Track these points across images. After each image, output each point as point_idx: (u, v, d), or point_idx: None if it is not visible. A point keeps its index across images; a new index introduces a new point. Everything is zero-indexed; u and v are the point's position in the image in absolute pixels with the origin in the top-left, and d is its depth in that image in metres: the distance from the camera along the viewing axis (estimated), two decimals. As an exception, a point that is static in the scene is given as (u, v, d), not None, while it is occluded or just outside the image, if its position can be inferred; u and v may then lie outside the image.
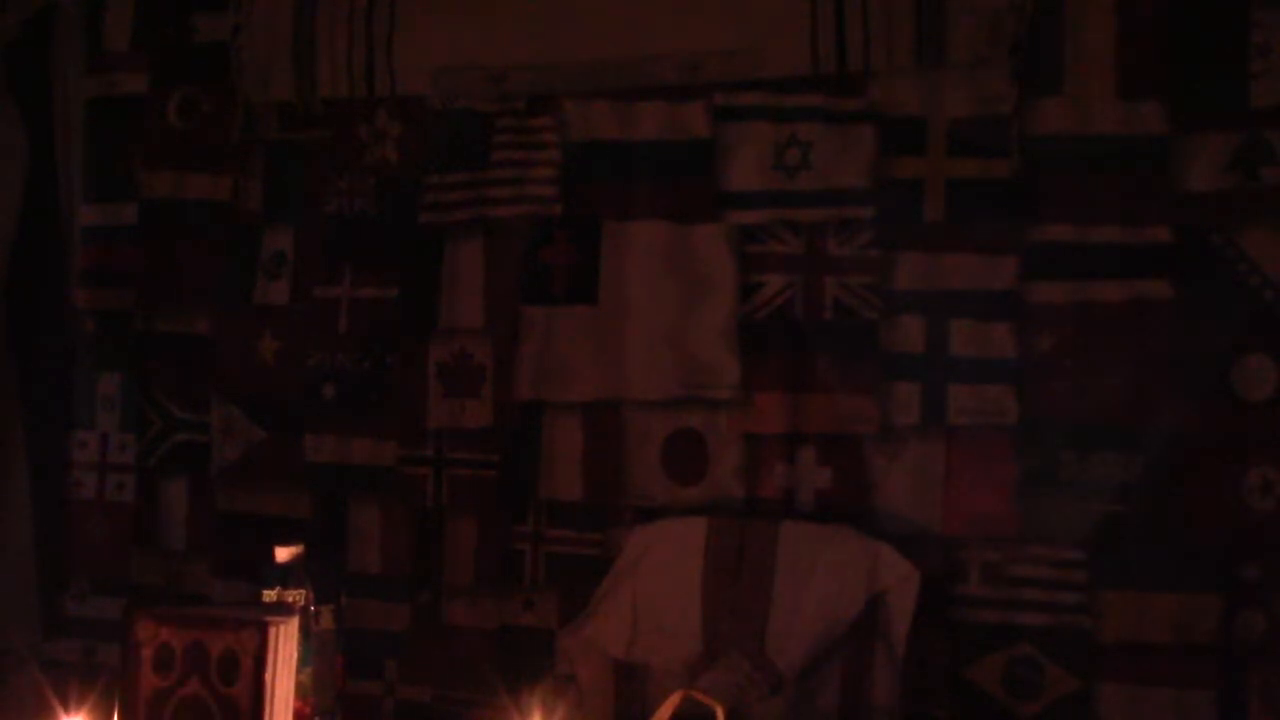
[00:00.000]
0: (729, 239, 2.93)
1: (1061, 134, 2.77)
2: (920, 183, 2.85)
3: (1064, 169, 2.77)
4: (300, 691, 1.97)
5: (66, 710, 1.69)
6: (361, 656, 2.34)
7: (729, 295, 2.92)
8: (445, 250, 3.13)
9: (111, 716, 1.66)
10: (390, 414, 3.15)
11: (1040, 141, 2.78)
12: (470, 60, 3.10)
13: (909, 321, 2.85)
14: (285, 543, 2.15)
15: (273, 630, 1.71)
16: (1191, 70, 2.71)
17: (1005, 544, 2.78)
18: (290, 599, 2.10)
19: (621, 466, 3.00)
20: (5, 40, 3.31)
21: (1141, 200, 2.72)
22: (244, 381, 3.27)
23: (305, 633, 2.02)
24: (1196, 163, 2.70)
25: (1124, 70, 2.74)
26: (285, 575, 2.10)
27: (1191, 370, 2.69)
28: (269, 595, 2.11)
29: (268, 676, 1.69)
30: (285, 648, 1.75)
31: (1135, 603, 2.70)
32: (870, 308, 2.86)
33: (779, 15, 2.89)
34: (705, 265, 2.95)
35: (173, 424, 3.33)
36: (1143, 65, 2.73)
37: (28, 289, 3.36)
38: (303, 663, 2.00)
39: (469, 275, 3.12)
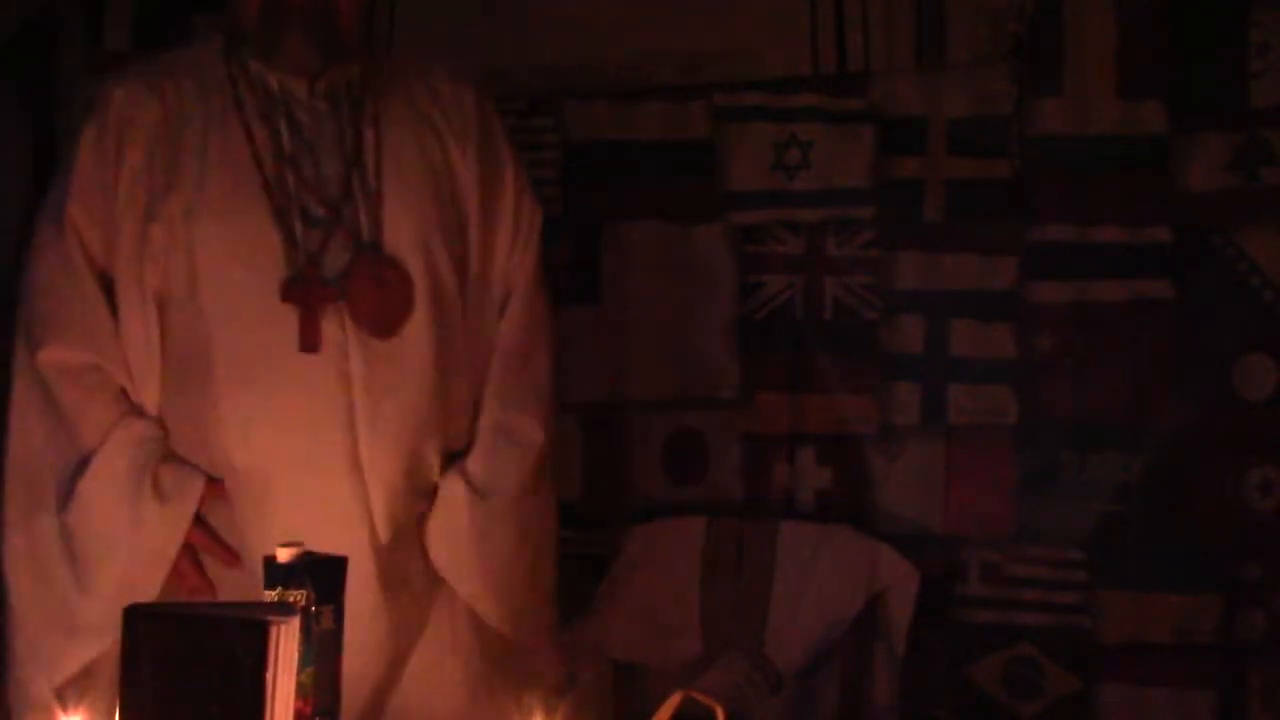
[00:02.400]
0: (729, 239, 2.93)
1: (1061, 134, 2.78)
2: (920, 183, 2.85)
3: (1064, 169, 2.77)
4: (301, 692, 1.97)
5: (66, 710, 1.69)
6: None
7: (729, 295, 2.92)
8: (445, 250, 3.13)
9: (112, 717, 1.65)
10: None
11: (1040, 141, 2.78)
12: (470, 60, 3.10)
13: (909, 321, 2.85)
14: (286, 543, 2.15)
15: (273, 630, 1.71)
16: (1191, 70, 2.71)
17: (1005, 544, 2.78)
18: (291, 599, 2.09)
19: (621, 466, 3.00)
20: (6, 39, 3.31)
21: (1141, 200, 2.73)
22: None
23: (306, 633, 2.02)
24: (1196, 163, 2.70)
25: (1124, 70, 2.74)
26: (286, 575, 2.09)
27: (1191, 370, 2.69)
28: (269, 595, 2.11)
29: (268, 676, 1.69)
30: (286, 648, 1.74)
31: (1135, 603, 2.70)
32: (870, 308, 2.87)
33: (779, 15, 2.89)
34: (705, 265, 2.95)
35: (173, 424, 3.32)
36: (1143, 65, 2.74)
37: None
38: (303, 663, 2.00)
39: (469, 275, 3.11)
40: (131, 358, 2.01)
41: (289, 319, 1.96)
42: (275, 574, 2.13)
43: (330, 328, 1.97)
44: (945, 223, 2.84)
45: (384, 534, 2.04)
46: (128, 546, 1.98)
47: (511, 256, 2.16)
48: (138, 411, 2.01)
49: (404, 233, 2.03)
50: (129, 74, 2.13)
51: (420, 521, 2.08)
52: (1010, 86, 2.79)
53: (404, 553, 2.07)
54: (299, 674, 1.89)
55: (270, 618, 1.74)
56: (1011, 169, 2.79)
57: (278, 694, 1.72)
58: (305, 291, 1.96)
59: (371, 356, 1.99)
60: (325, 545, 1.89)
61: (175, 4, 3.34)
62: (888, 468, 2.84)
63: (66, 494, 1.99)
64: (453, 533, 2.09)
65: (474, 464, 2.10)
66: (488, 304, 2.14)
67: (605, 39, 3.01)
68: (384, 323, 1.99)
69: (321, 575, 1.92)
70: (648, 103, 3.00)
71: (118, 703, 1.63)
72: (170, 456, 2.01)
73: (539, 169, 3.07)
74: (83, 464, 1.99)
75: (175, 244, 1.99)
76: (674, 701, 1.99)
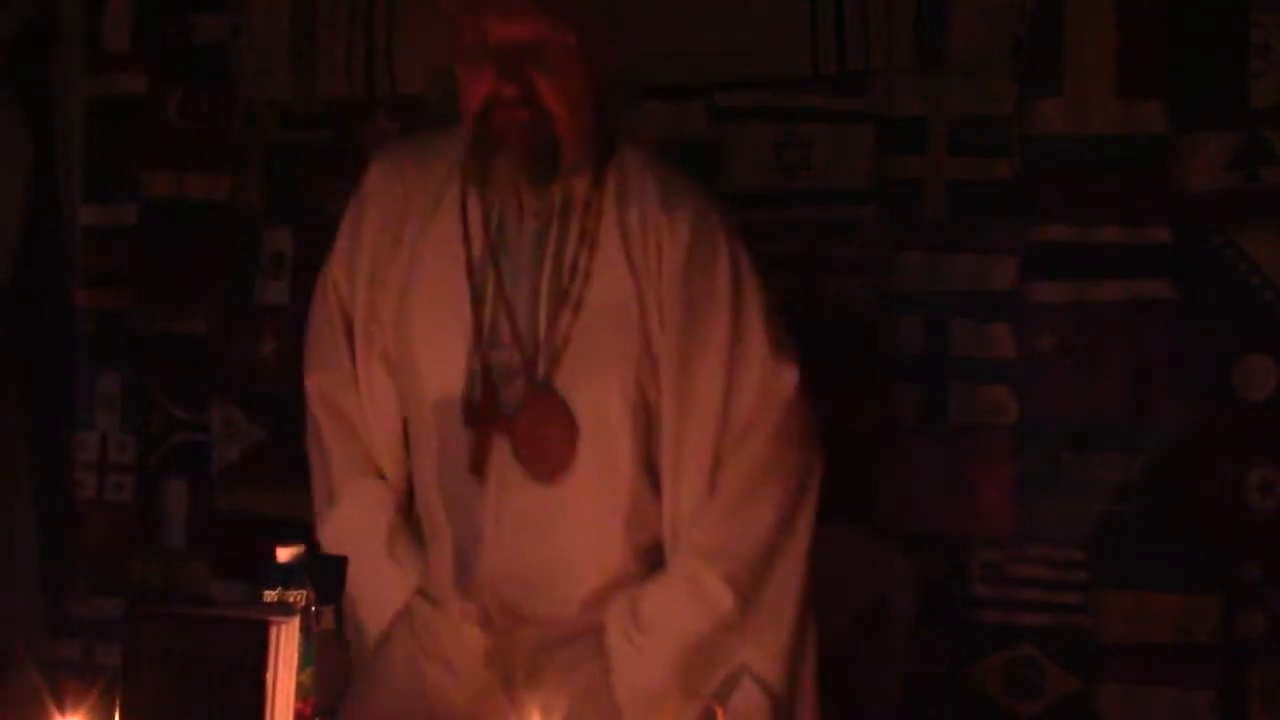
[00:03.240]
0: (729, 239, 2.93)
1: (1061, 134, 2.77)
2: (920, 183, 2.85)
3: (1064, 169, 2.77)
4: (301, 692, 1.97)
5: (66, 711, 1.69)
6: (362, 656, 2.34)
7: (729, 295, 2.91)
8: (445, 250, 3.12)
9: (112, 717, 1.65)
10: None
11: (1040, 141, 2.78)
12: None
13: (909, 321, 2.85)
14: (286, 543, 2.15)
15: (273, 630, 1.71)
16: (1191, 70, 2.71)
17: (1005, 544, 2.78)
18: (291, 599, 2.09)
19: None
20: (6, 39, 3.31)
21: (1141, 200, 2.72)
22: (244, 381, 3.26)
23: (306, 633, 2.02)
24: (1196, 163, 2.70)
25: (1124, 70, 2.74)
26: (286, 575, 2.10)
27: (1191, 370, 2.69)
28: (270, 595, 2.11)
29: (268, 677, 1.69)
30: (286, 648, 1.75)
31: (1135, 603, 2.70)
32: (870, 308, 2.86)
33: (779, 15, 2.89)
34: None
35: (173, 424, 3.33)
36: (1143, 65, 2.73)
37: (28, 289, 3.36)
38: (304, 663, 2.00)
39: (469, 275, 3.10)
40: (369, 413, 2.16)
41: (465, 435, 2.03)
42: (275, 574, 2.13)
43: (499, 455, 2.02)
44: (945, 223, 2.84)
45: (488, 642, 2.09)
46: (359, 592, 2.04)
47: (728, 406, 2.05)
48: (374, 470, 2.14)
49: (578, 379, 2.02)
50: (393, 148, 2.28)
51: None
52: (1010, 86, 2.79)
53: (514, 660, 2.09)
54: (299, 674, 1.89)
55: (270, 618, 1.74)
56: (1011, 169, 2.79)
57: (278, 694, 1.72)
58: (480, 418, 2.01)
59: (525, 492, 2.03)
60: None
61: (175, 4, 3.35)
62: (888, 468, 2.84)
63: (322, 515, 2.17)
64: (608, 653, 2.06)
65: (645, 597, 2.06)
66: (690, 447, 2.05)
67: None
68: (543, 468, 2.01)
69: (322, 575, 1.92)
70: (648, 103, 2.99)
71: (118, 703, 1.63)
72: (402, 525, 2.13)
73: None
74: (332, 496, 2.17)
75: (392, 321, 2.11)
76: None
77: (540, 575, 2.06)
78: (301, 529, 3.05)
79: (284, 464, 3.22)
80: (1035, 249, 2.78)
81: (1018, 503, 2.77)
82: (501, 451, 2.02)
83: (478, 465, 2.01)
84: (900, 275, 2.85)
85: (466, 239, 2.04)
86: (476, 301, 2.03)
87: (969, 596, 2.79)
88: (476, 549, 2.06)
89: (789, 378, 2.08)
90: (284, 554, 2.12)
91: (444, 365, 2.05)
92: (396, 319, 2.09)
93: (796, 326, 2.88)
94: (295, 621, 1.82)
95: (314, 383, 2.22)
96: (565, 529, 2.04)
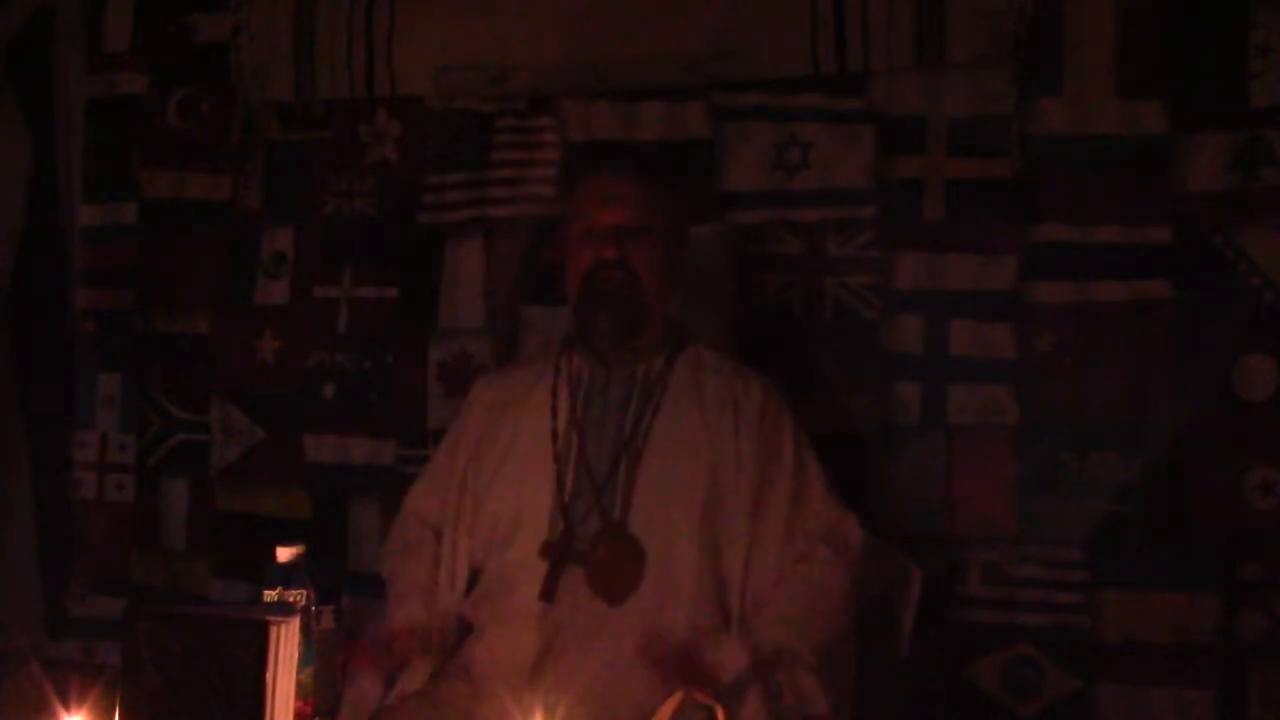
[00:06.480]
0: (729, 239, 2.93)
1: (1061, 134, 2.78)
2: (920, 183, 2.85)
3: (1064, 169, 2.77)
4: (301, 691, 1.98)
5: (67, 710, 1.69)
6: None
7: (729, 295, 2.92)
8: (445, 250, 3.13)
9: (112, 716, 1.66)
10: (390, 414, 3.15)
11: (1040, 141, 2.78)
12: (470, 60, 3.10)
13: (909, 321, 2.85)
14: (286, 543, 2.16)
15: (273, 630, 1.72)
16: (1191, 70, 2.71)
17: (1005, 544, 2.78)
18: (291, 599, 2.10)
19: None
20: (6, 39, 3.31)
21: (1141, 200, 2.73)
22: (244, 381, 3.26)
23: (306, 633, 2.03)
24: (1196, 163, 2.70)
25: (1124, 70, 2.74)
26: (286, 575, 2.10)
27: (1191, 370, 2.69)
28: (270, 595, 2.12)
29: (268, 676, 1.70)
30: (286, 648, 1.75)
31: (1135, 603, 2.70)
32: (870, 308, 2.87)
33: (779, 15, 2.89)
34: (705, 265, 2.95)
35: (173, 424, 3.33)
36: (1143, 65, 2.74)
37: (28, 289, 3.36)
38: (304, 663, 2.00)
39: (469, 275, 3.12)
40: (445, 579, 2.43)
41: (541, 569, 2.30)
42: (275, 574, 2.13)
43: (570, 583, 2.28)
44: (945, 223, 2.84)
45: None
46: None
47: (795, 503, 2.35)
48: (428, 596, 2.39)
49: (646, 517, 2.30)
50: (490, 372, 2.76)
51: None
52: (1010, 86, 2.79)
53: None
54: (299, 674, 1.90)
55: (270, 618, 1.74)
56: (1011, 169, 2.79)
57: (278, 694, 1.72)
58: (555, 553, 2.30)
59: (594, 614, 2.27)
60: None
61: (175, 4, 3.35)
62: (888, 468, 2.84)
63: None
64: None
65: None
66: (759, 558, 2.32)
67: (605, 39, 3.01)
68: (612, 593, 2.28)
69: (322, 575, 1.93)
70: (648, 103, 3.00)
71: (118, 702, 1.63)
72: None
73: (539, 169, 3.08)
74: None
75: (488, 482, 2.41)
76: (675, 700, 1.99)
77: (596, 688, 2.22)
78: (301, 529, 3.09)
79: (284, 464, 3.22)
80: (1035, 249, 2.78)
81: (1018, 503, 2.77)
82: (572, 579, 2.28)
83: (548, 593, 2.28)
84: (900, 275, 2.86)
85: (554, 412, 2.38)
86: (560, 461, 2.34)
87: (969, 596, 2.80)
88: (535, 663, 2.27)
89: (854, 523, 2.39)
90: (284, 554, 2.13)
91: (528, 513, 2.35)
92: (491, 480, 2.40)
93: (796, 326, 2.91)
94: (295, 621, 1.82)
95: (414, 503, 2.52)
96: (627, 645, 2.23)
